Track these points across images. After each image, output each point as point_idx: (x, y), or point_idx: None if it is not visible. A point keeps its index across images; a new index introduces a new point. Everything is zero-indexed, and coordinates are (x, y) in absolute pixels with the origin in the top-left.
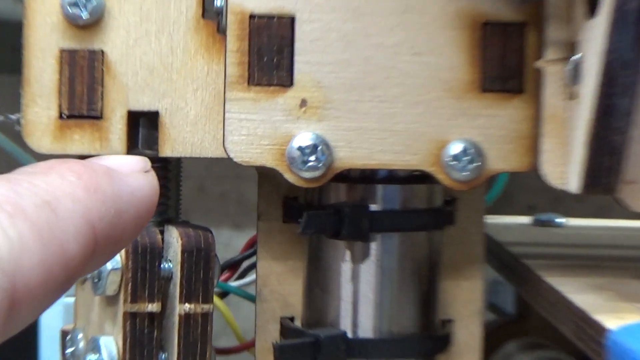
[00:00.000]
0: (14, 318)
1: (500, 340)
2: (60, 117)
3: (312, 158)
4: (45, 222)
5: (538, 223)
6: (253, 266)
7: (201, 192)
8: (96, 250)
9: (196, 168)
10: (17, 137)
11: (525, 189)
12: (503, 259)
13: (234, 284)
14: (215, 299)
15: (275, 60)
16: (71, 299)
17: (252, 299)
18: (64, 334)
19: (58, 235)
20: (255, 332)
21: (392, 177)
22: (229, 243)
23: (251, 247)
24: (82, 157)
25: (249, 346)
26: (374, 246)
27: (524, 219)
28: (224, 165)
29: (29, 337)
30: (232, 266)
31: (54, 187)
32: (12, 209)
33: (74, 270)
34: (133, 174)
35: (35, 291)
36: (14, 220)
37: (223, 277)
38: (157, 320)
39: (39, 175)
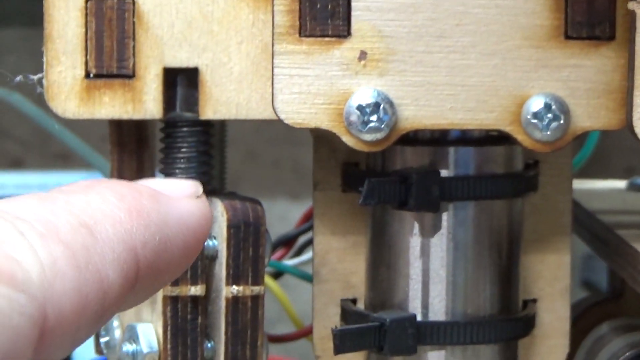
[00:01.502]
0: (44, 350)
1: (593, 322)
2: (87, 76)
3: (374, 118)
4: (81, 245)
5: (634, 188)
6: (310, 241)
7: (251, 158)
8: (138, 281)
9: (245, 131)
10: (40, 100)
11: (621, 149)
12: (594, 230)
13: (289, 262)
14: (268, 280)
15: (329, 7)
16: None
17: (309, 279)
18: None
19: (96, 260)
20: (312, 316)
21: (465, 138)
22: (284, 215)
23: (308, 220)
24: (114, 122)
25: (307, 333)
26: (445, 217)
27: (619, 184)
28: (276, 128)
29: None
30: (286, 242)
31: (93, 208)
32: (45, 229)
33: (112, 301)
34: (182, 199)
35: (69, 321)
36: (46, 241)
37: (277, 255)
38: (201, 304)
39: (77, 194)
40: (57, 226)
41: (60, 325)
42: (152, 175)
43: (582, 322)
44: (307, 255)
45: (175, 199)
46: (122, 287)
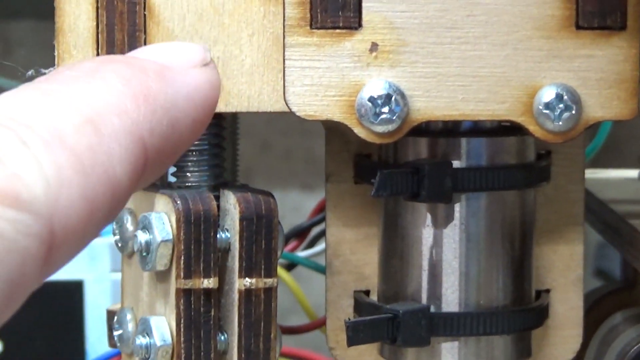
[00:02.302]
0: (52, 261)
1: (607, 312)
2: None
3: (386, 109)
4: (87, 146)
5: None
6: (323, 233)
7: (264, 149)
8: (146, 169)
9: (257, 122)
10: None
11: (634, 138)
12: (606, 219)
13: (302, 254)
14: (282, 272)
15: None
16: (119, 275)
17: (322, 270)
18: (111, 314)
19: (102, 160)
20: (325, 308)
21: (477, 129)
22: (298, 206)
23: (321, 212)
24: None
25: (320, 324)
26: (458, 208)
27: (632, 173)
28: (289, 119)
29: (74, 317)
30: (299, 234)
31: (97, 99)
32: (49, 135)
33: (121, 196)
34: (190, 71)
35: (77, 230)
36: (50, 149)
37: (290, 247)
38: (214, 297)
39: (81, 81)
40: (62, 129)
41: (68, 236)
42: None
43: (596, 312)
44: (320, 246)
45: (182, 72)
46: (131, 180)
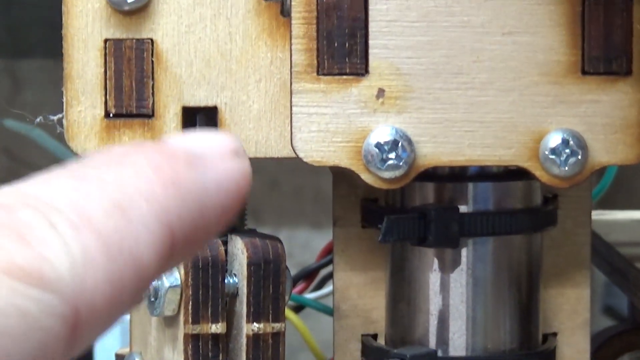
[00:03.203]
0: (76, 342)
1: (614, 353)
2: (107, 116)
3: (392, 155)
4: (114, 230)
5: None
6: (332, 275)
7: (273, 187)
8: (173, 254)
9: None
10: (60, 135)
11: None
12: (613, 262)
13: (310, 295)
14: (290, 314)
15: (347, 45)
16: (127, 316)
17: (331, 312)
18: (119, 358)
19: (129, 244)
20: (333, 352)
21: (484, 174)
22: (306, 244)
23: (329, 253)
24: None
25: None
26: (465, 253)
27: (639, 214)
28: (298, 158)
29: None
30: (308, 275)
31: (127, 184)
32: (77, 218)
33: (147, 279)
34: (221, 160)
35: (102, 311)
36: (78, 232)
37: (298, 289)
38: (222, 342)
39: (112, 167)
40: (90, 212)
41: (93, 318)
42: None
43: (604, 353)
44: (328, 288)
45: (213, 161)
46: (157, 264)
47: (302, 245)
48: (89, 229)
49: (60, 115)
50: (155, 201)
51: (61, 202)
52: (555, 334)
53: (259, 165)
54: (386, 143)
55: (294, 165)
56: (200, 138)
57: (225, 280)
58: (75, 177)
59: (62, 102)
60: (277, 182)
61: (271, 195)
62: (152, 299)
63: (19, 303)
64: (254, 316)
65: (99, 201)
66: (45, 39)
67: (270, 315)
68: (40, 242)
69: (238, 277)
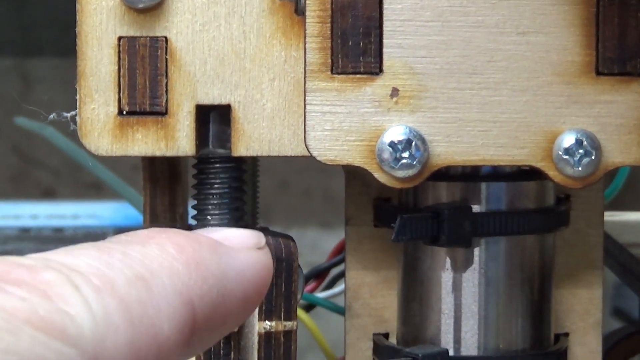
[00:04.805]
0: None
1: (625, 355)
2: (120, 114)
3: (406, 155)
4: (136, 298)
5: None
6: (342, 274)
7: (283, 188)
8: (194, 334)
9: (276, 161)
10: (72, 133)
11: None
12: (625, 263)
13: (321, 294)
14: (301, 313)
15: (361, 44)
16: None
17: (341, 311)
18: None
19: (150, 314)
20: (345, 351)
21: (497, 174)
22: (316, 244)
23: (340, 253)
24: (146, 157)
25: None
26: (477, 252)
27: None
28: (308, 158)
29: None
30: (318, 275)
31: (150, 259)
32: (100, 282)
33: (166, 355)
34: (243, 250)
35: None
36: (101, 295)
37: (309, 288)
38: (233, 340)
39: (135, 245)
40: (113, 279)
41: None
42: (185, 210)
43: (614, 355)
44: (339, 287)
45: (235, 250)
46: (177, 340)
47: (312, 245)
48: (111, 295)
49: (73, 113)
50: (177, 278)
51: (84, 268)
52: (567, 334)
53: (268, 165)
54: (400, 142)
55: (303, 165)
56: (224, 232)
57: None
58: (99, 249)
59: (73, 102)
60: (286, 182)
61: (281, 195)
62: None
63: (41, 354)
64: (265, 314)
65: (122, 271)
66: (57, 38)
67: (282, 314)
68: (63, 299)
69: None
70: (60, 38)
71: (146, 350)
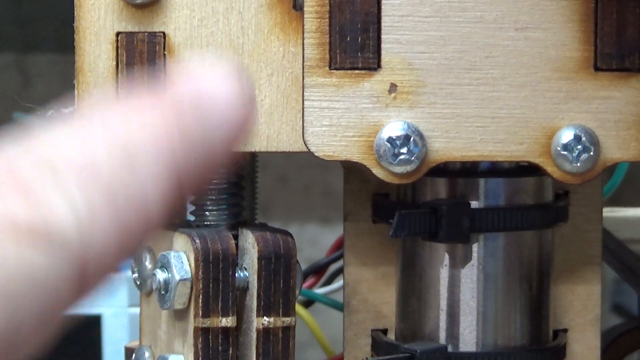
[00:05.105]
0: (84, 290)
1: (624, 351)
2: None
3: (404, 150)
4: (121, 182)
5: None
6: (341, 270)
7: (282, 183)
8: (179, 195)
9: (276, 157)
10: None
11: None
12: (624, 259)
13: (320, 290)
14: (300, 309)
15: (359, 40)
16: (136, 310)
17: (340, 307)
18: (129, 351)
19: (137, 196)
20: (343, 347)
21: (496, 169)
22: (315, 240)
23: (339, 249)
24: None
25: None
26: (475, 248)
27: None
28: (307, 153)
29: (92, 351)
30: (317, 270)
31: (133, 133)
32: (82, 170)
33: (153, 226)
34: (224, 98)
35: (108, 263)
36: (84, 186)
37: (308, 283)
38: (232, 336)
39: (117, 116)
40: (96, 165)
41: (100, 267)
42: (184, 207)
43: (613, 351)
44: (338, 283)
45: (217, 99)
46: (164, 214)
47: (311, 241)
48: (95, 183)
49: (72, 108)
50: (162, 151)
51: (66, 154)
52: (565, 330)
53: (267, 160)
54: (398, 138)
55: (303, 160)
56: (204, 75)
57: (236, 274)
58: (80, 127)
59: (72, 97)
60: (286, 177)
61: (280, 190)
62: (163, 292)
63: (26, 261)
64: (264, 310)
65: (105, 152)
66: (56, 33)
67: (281, 310)
68: (44, 197)
69: (248, 270)
70: (59, 33)
71: (134, 234)
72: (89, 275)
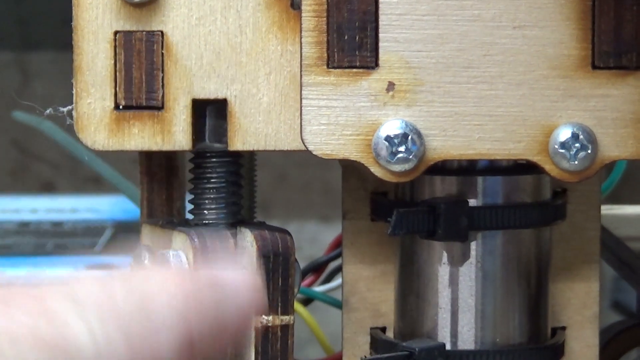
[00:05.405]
0: None
1: (623, 348)
2: (117, 108)
3: (402, 149)
4: (137, 327)
5: None
6: (340, 268)
7: (282, 181)
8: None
9: (275, 155)
10: (70, 128)
11: None
12: (622, 257)
13: (319, 288)
14: (299, 307)
15: (357, 38)
16: None
17: (339, 305)
18: None
19: (151, 342)
20: (342, 345)
21: (494, 167)
22: (315, 238)
23: (338, 247)
24: (143, 152)
25: (337, 359)
26: (474, 246)
27: None
28: (306, 151)
29: None
30: (316, 269)
31: (151, 290)
32: (102, 310)
33: None
34: (241, 289)
35: None
36: (103, 321)
37: (307, 282)
38: None
39: (134, 279)
40: (114, 304)
41: None
42: (182, 204)
43: (612, 348)
44: (337, 281)
45: (234, 287)
46: None
47: (311, 239)
48: (113, 320)
49: (70, 107)
50: (176, 310)
51: (88, 296)
52: (564, 328)
53: (267, 158)
54: (396, 136)
55: (302, 159)
56: (224, 271)
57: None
58: (101, 278)
59: (72, 95)
60: (285, 175)
61: (280, 189)
62: None
63: None
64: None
65: (124, 300)
66: (55, 31)
67: (279, 308)
68: (67, 324)
69: (247, 269)
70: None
71: None
72: None
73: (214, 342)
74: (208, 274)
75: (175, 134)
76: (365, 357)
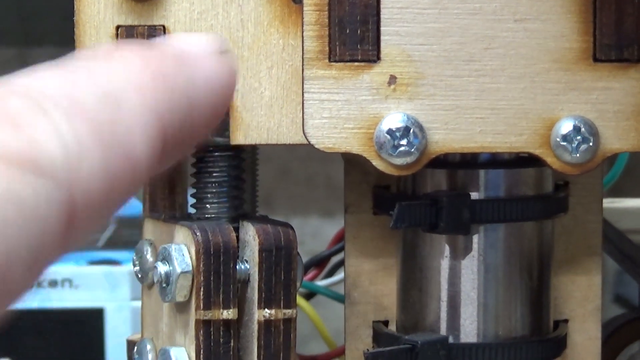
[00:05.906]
0: (73, 232)
1: (625, 341)
2: None
3: (404, 142)
4: (107, 119)
5: None
6: (343, 262)
7: (285, 175)
8: (165, 149)
9: (278, 148)
10: None
11: None
12: (624, 250)
13: (321, 283)
14: (301, 301)
15: (359, 32)
16: (139, 303)
17: (341, 299)
18: (131, 344)
19: (122, 134)
20: (344, 339)
21: (496, 160)
22: (317, 232)
23: (340, 241)
24: None
25: (340, 353)
26: (476, 239)
27: None
28: (309, 145)
29: (94, 345)
30: (319, 263)
31: (116, 75)
32: (68, 105)
33: (140, 174)
34: (209, 58)
35: (97, 202)
36: (71, 119)
37: (309, 276)
38: (233, 328)
39: (99, 61)
40: (82, 100)
41: (89, 207)
42: (184, 199)
43: (614, 341)
44: (339, 275)
45: (201, 57)
46: (150, 158)
47: (313, 233)
48: (81, 117)
49: None
50: (145, 91)
51: (52, 90)
52: (566, 321)
53: (269, 153)
54: (398, 129)
55: (305, 153)
56: (185, 38)
57: (237, 267)
58: (65, 69)
59: None
60: (288, 170)
61: (282, 183)
62: (164, 285)
63: (15, 190)
64: (265, 302)
65: (90, 90)
66: (57, 27)
67: (282, 302)
68: (33, 127)
69: (249, 263)
70: (60, 27)
71: (121, 172)
72: (77, 215)
73: (186, 128)
74: (173, 47)
75: None
76: (368, 350)
